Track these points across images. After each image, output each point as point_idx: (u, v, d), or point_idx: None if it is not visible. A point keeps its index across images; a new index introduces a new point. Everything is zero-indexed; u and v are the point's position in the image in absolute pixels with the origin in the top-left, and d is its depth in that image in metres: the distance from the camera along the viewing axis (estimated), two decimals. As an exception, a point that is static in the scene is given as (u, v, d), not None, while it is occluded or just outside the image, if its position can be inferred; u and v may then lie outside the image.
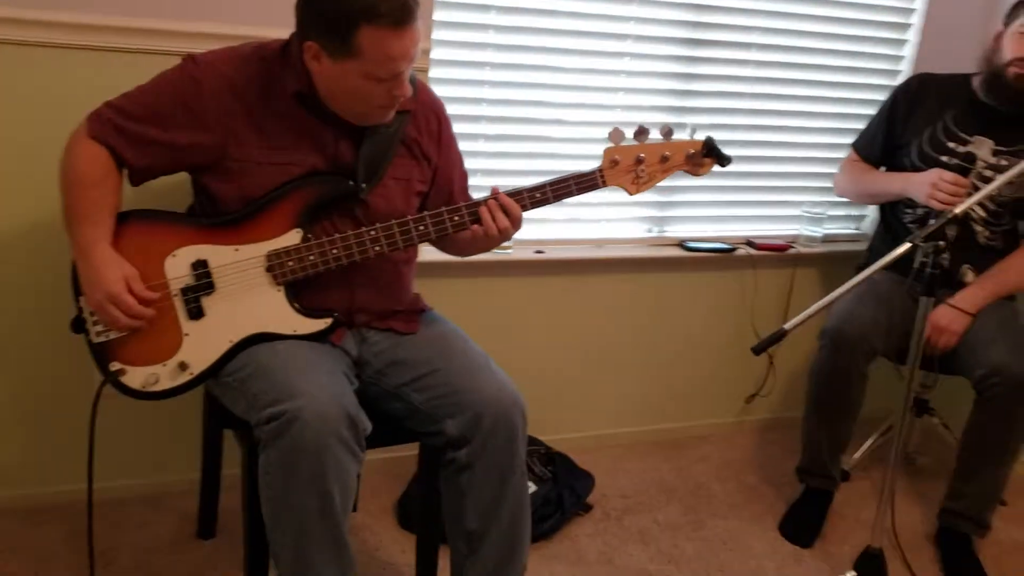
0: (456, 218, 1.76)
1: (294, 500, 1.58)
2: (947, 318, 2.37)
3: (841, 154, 2.93)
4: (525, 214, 1.81)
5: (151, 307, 1.67)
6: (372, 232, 1.74)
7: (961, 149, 2.46)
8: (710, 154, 1.84)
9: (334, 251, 1.73)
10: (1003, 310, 2.44)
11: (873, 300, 2.41)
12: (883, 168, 2.70)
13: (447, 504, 1.85)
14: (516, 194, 1.78)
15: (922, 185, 2.40)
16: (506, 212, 1.77)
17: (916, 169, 2.51)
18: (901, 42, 2.96)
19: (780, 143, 2.92)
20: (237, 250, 1.72)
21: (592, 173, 1.81)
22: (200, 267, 1.71)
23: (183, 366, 1.71)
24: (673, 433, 3.01)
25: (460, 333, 1.93)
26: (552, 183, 1.80)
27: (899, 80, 2.97)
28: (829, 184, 2.92)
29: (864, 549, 2.13)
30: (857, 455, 2.83)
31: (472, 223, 1.77)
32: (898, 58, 2.98)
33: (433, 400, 1.80)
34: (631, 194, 1.84)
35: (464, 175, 2.01)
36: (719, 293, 2.91)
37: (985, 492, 2.43)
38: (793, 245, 2.94)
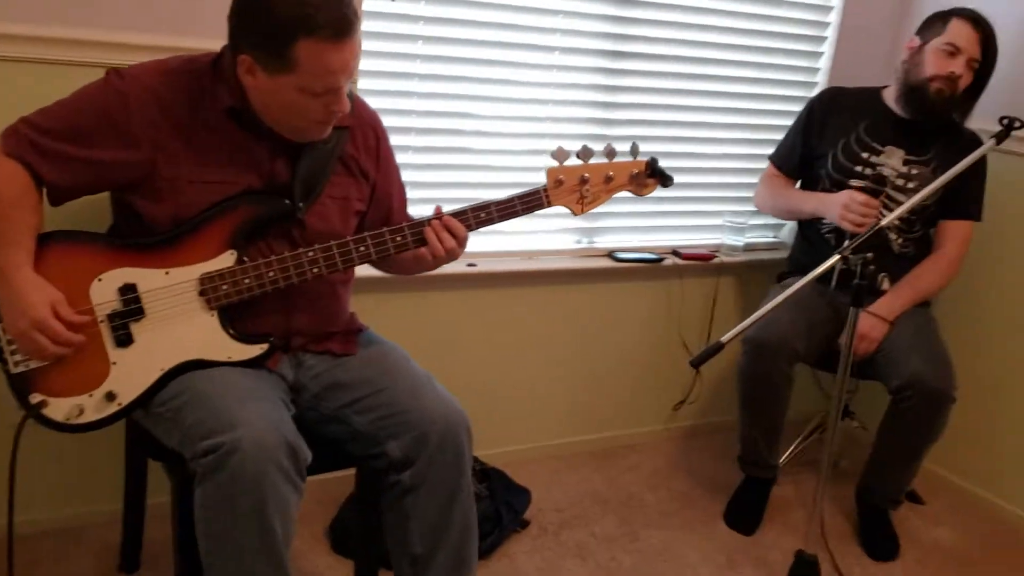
0: (399, 239, 1.72)
1: (234, 535, 1.51)
2: (867, 325, 2.44)
3: (761, 164, 2.97)
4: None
5: (80, 333, 1.58)
6: (310, 253, 1.68)
7: (874, 159, 2.53)
8: (653, 174, 1.84)
9: (271, 273, 1.66)
10: (919, 317, 2.53)
11: (791, 306, 2.44)
12: (799, 181, 2.75)
13: (390, 528, 1.81)
14: (461, 214, 1.75)
15: (835, 206, 2.45)
16: (452, 232, 1.73)
17: (831, 179, 2.58)
18: (817, 54, 3.03)
19: (702, 154, 2.96)
20: (168, 273, 1.64)
21: (537, 192, 1.79)
22: (128, 291, 1.62)
23: (111, 396, 1.62)
24: (604, 443, 3.02)
25: (400, 351, 1.89)
26: (497, 203, 1.77)
27: (816, 91, 3.04)
28: (750, 194, 2.97)
29: (797, 555, 2.16)
30: (782, 460, 2.88)
31: (415, 244, 1.73)
32: (814, 70, 3.05)
33: (375, 422, 1.75)
34: (576, 214, 1.83)
35: (403, 192, 1.97)
36: (647, 303, 2.93)
37: (897, 482, 2.60)
38: (717, 254, 2.98)
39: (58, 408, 1.61)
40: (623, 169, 1.84)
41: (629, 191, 1.87)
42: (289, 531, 1.57)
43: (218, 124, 1.64)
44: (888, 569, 2.48)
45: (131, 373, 1.63)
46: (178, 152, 1.62)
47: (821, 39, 3.02)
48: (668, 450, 3.06)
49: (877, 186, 2.39)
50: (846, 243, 2.02)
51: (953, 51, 2.41)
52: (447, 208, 1.76)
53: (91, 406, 1.62)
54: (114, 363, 1.62)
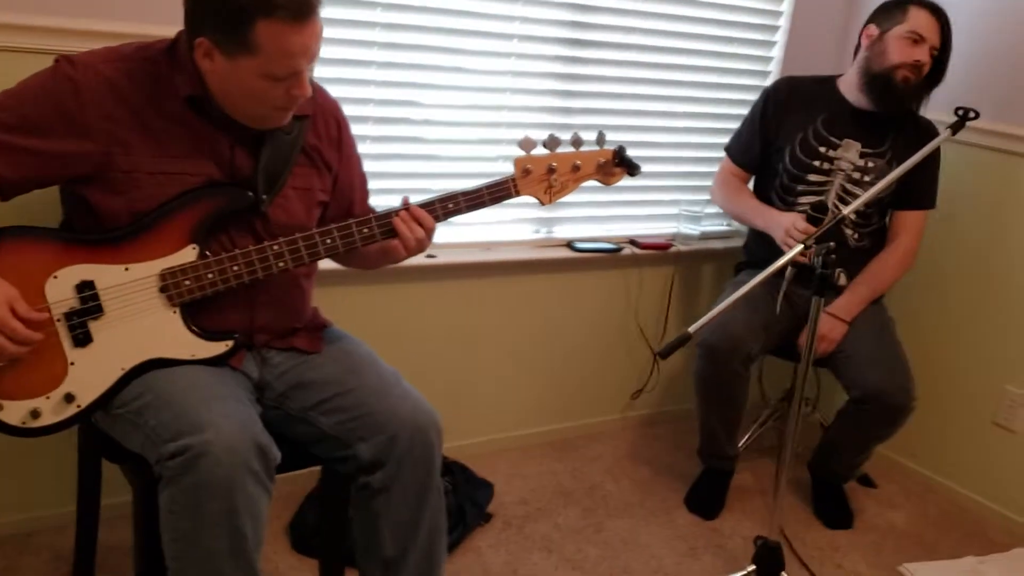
0: (365, 230, 1.68)
1: (203, 540, 1.46)
2: (826, 326, 2.47)
3: (716, 153, 2.99)
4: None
5: (38, 331, 1.51)
6: (275, 247, 1.63)
7: (831, 153, 2.54)
8: (621, 163, 1.82)
9: (235, 268, 1.61)
10: (877, 318, 2.55)
11: (746, 305, 2.45)
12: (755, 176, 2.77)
13: (359, 531, 1.77)
14: (428, 205, 1.72)
15: (779, 228, 2.45)
16: (420, 223, 1.69)
17: (788, 173, 2.58)
18: (770, 43, 3.05)
19: (658, 143, 2.96)
20: (127, 269, 1.57)
21: (505, 182, 1.76)
22: (86, 289, 1.55)
23: (69, 398, 1.56)
24: (564, 433, 3.01)
25: (366, 349, 1.85)
26: (464, 193, 1.74)
27: (769, 80, 3.06)
28: (706, 183, 2.98)
29: (761, 543, 2.18)
30: (740, 445, 2.91)
31: (383, 236, 1.69)
32: (767, 59, 3.07)
33: (344, 423, 1.71)
34: (543, 203, 1.81)
35: (364, 182, 1.93)
36: (605, 292, 2.93)
37: (849, 466, 2.70)
38: (673, 243, 2.98)
39: (13, 411, 1.54)
40: (590, 158, 1.82)
41: (596, 180, 1.85)
42: (259, 534, 1.53)
43: (176, 113, 1.58)
44: (846, 552, 2.52)
45: (90, 373, 1.57)
46: (134, 143, 1.56)
47: (774, 28, 3.04)
48: (628, 439, 3.06)
49: (819, 214, 2.38)
50: (811, 234, 2.03)
51: (917, 39, 2.41)
52: (413, 199, 1.72)
53: (48, 408, 1.55)
54: (72, 363, 1.56)
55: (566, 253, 2.81)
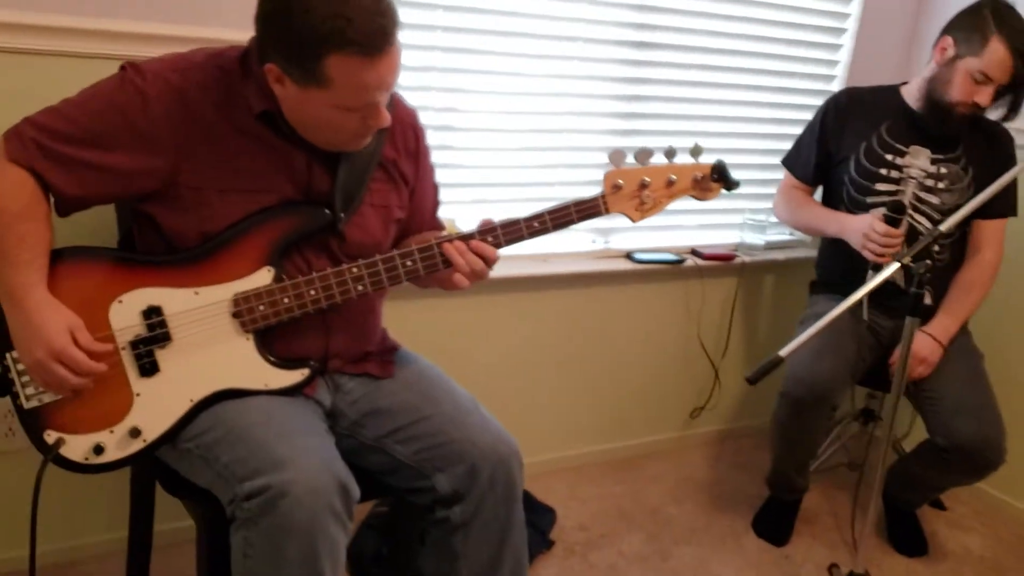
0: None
1: (281, 586, 1.35)
2: (927, 348, 2.32)
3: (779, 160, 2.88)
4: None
5: (102, 361, 1.40)
6: (355, 270, 1.52)
7: (899, 160, 2.39)
8: (720, 178, 1.70)
9: (312, 292, 1.50)
10: (967, 358, 2.38)
11: (831, 347, 2.31)
12: (819, 188, 2.63)
13: (433, 567, 1.66)
14: (513, 224, 1.60)
15: (855, 233, 2.32)
16: (480, 255, 1.56)
17: (854, 184, 2.43)
18: (836, 46, 2.92)
19: (721, 149, 2.83)
20: (197, 293, 1.47)
21: (594, 200, 1.64)
22: (153, 314, 1.45)
23: (135, 432, 1.45)
24: (620, 452, 2.90)
25: (440, 373, 1.74)
26: (551, 211, 1.61)
27: (835, 85, 2.94)
28: (770, 191, 2.86)
29: (848, 574, 2.07)
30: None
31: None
32: (833, 62, 2.94)
33: (421, 452, 1.60)
34: (634, 221, 1.69)
35: (436, 195, 1.81)
36: (665, 305, 2.81)
37: (922, 499, 2.59)
38: (737, 254, 2.86)
39: (75, 447, 1.44)
40: (686, 172, 1.70)
41: (691, 196, 1.73)
42: (338, 574, 1.42)
43: (249, 127, 1.47)
44: (925, 581, 2.41)
45: (157, 405, 1.46)
46: (205, 158, 1.45)
47: (840, 31, 2.91)
48: (687, 459, 2.94)
49: (896, 214, 2.24)
50: (909, 249, 1.90)
51: (984, 80, 2.24)
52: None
53: (112, 443, 1.45)
54: (138, 394, 1.45)
55: (626, 265, 2.69)
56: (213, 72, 1.46)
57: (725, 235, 2.92)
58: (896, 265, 1.90)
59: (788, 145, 2.70)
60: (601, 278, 2.67)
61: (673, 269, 2.74)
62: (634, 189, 1.66)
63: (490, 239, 1.58)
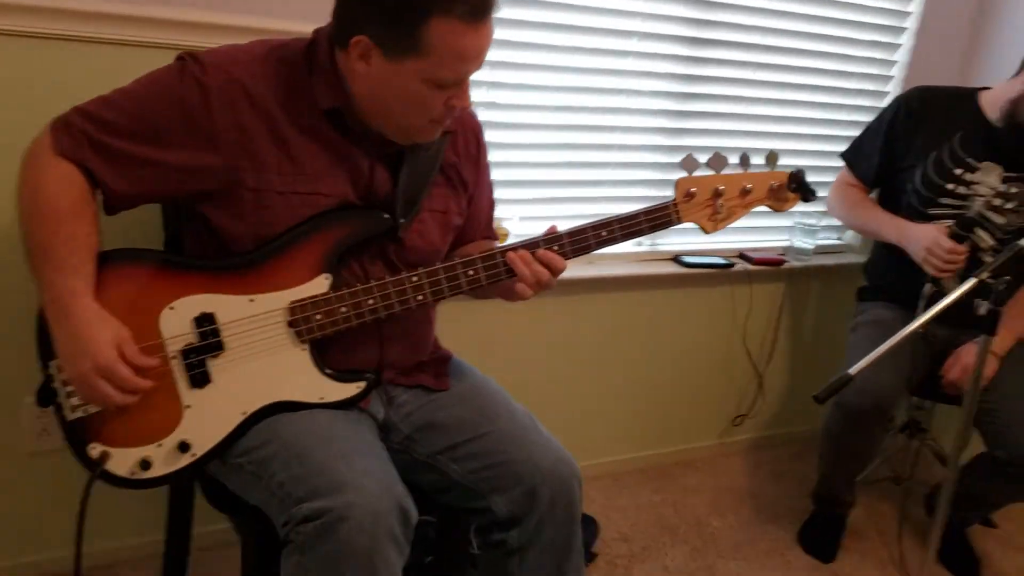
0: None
1: (337, 613, 1.28)
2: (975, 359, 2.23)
3: (833, 163, 2.78)
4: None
5: (149, 377, 1.33)
6: (415, 278, 1.43)
7: (968, 176, 2.27)
8: (798, 188, 1.61)
9: (370, 301, 1.42)
10: None
11: (888, 356, 2.23)
12: (878, 189, 2.53)
13: (489, 592, 1.59)
14: (580, 232, 1.51)
15: (918, 245, 2.22)
16: (546, 264, 1.47)
17: (918, 195, 2.33)
18: (894, 46, 2.82)
19: (774, 150, 2.73)
20: (252, 300, 1.39)
21: (666, 208, 1.55)
22: (205, 322, 1.37)
23: (184, 447, 1.38)
24: (658, 459, 2.82)
25: (497, 387, 1.66)
26: (620, 220, 1.52)
27: (891, 86, 2.84)
28: (822, 194, 2.76)
29: None
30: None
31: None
32: (890, 63, 2.84)
33: (477, 472, 1.52)
34: (707, 232, 1.60)
35: (492, 204, 1.73)
36: (712, 310, 2.72)
37: (975, 517, 2.50)
38: (785, 258, 2.77)
39: (121, 461, 1.36)
40: (762, 181, 1.61)
41: (767, 206, 1.64)
42: (395, 601, 1.35)
43: (312, 126, 1.38)
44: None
45: (207, 418, 1.38)
46: (266, 158, 1.36)
47: (900, 29, 2.80)
48: (727, 467, 2.87)
49: (964, 231, 2.13)
50: (986, 265, 1.81)
51: None
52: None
53: (160, 458, 1.37)
54: (188, 406, 1.38)
55: (673, 268, 2.60)
56: (276, 66, 1.37)
57: (773, 237, 2.83)
58: (974, 281, 1.82)
59: (842, 147, 2.61)
60: (647, 281, 2.58)
61: (721, 273, 2.66)
62: (708, 198, 1.57)
63: (556, 248, 1.49)
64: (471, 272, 1.46)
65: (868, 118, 2.56)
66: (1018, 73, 2.23)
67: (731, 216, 1.60)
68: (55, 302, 1.29)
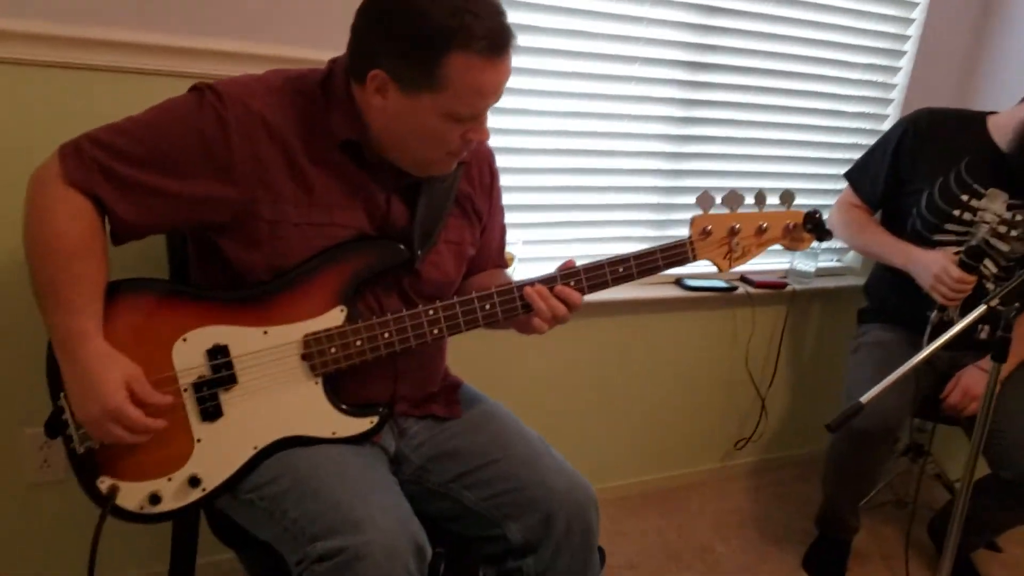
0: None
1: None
2: (976, 383, 2.23)
3: (833, 185, 2.78)
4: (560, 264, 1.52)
5: (162, 416, 1.30)
6: (431, 312, 1.42)
7: (974, 203, 2.25)
8: (813, 228, 1.61)
9: (386, 335, 1.40)
10: None
11: (895, 383, 2.22)
12: (880, 211, 2.52)
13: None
14: (596, 268, 1.50)
15: (925, 272, 2.20)
16: (565, 300, 1.46)
17: (923, 220, 2.32)
18: (894, 69, 2.83)
19: (771, 174, 2.73)
20: (266, 333, 1.37)
21: (682, 245, 1.54)
22: (218, 355, 1.35)
23: (194, 481, 1.35)
24: (662, 483, 2.80)
25: (507, 412, 1.64)
26: (637, 256, 1.52)
27: (891, 110, 2.85)
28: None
29: None
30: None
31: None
32: (890, 86, 2.85)
33: (491, 499, 1.50)
34: (722, 270, 1.59)
35: (504, 234, 1.72)
36: (713, 333, 2.71)
37: (979, 541, 2.46)
38: (787, 280, 2.76)
39: (131, 495, 1.34)
40: (778, 220, 1.61)
41: (782, 245, 1.63)
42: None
43: (329, 157, 1.37)
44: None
45: (219, 452, 1.36)
46: (282, 190, 1.34)
47: (900, 53, 2.81)
48: (728, 490, 2.85)
49: (973, 261, 2.13)
50: (996, 290, 1.81)
51: None
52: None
53: (170, 492, 1.35)
54: (199, 440, 1.35)
55: (675, 291, 2.59)
56: (293, 97, 1.36)
57: (774, 259, 2.82)
58: (983, 308, 1.82)
59: (842, 169, 2.60)
60: (650, 305, 2.57)
61: (723, 296, 2.65)
62: (723, 236, 1.57)
63: (572, 284, 1.48)
64: (487, 307, 1.45)
65: (868, 140, 2.57)
66: None
67: (746, 255, 1.60)
68: (62, 345, 1.26)
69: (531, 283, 1.45)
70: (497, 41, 1.25)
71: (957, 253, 2.16)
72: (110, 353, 1.27)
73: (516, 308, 1.45)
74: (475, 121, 1.33)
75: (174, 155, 1.30)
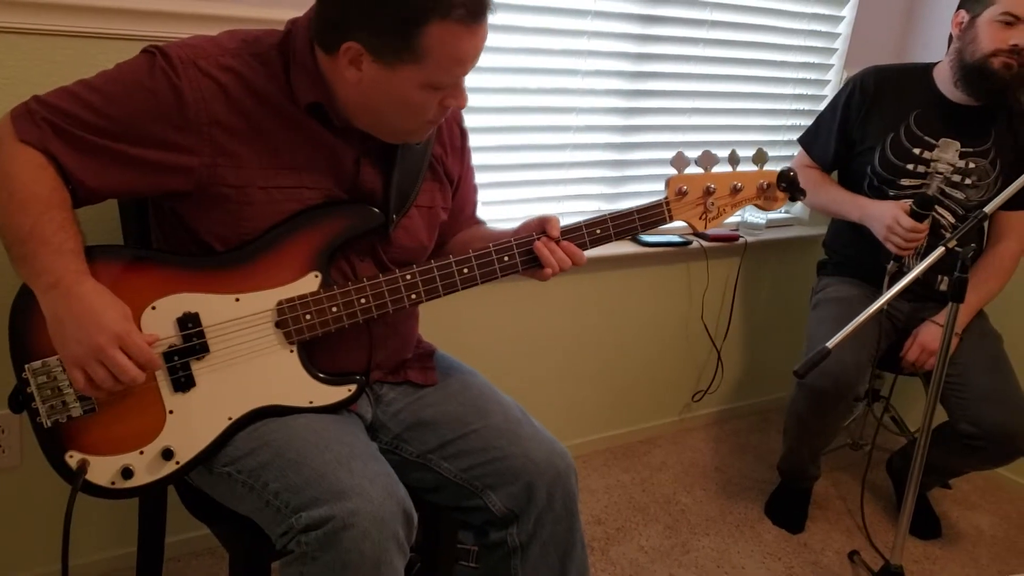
0: (506, 258, 1.44)
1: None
2: (931, 337, 2.26)
3: (777, 137, 2.81)
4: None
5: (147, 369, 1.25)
6: (408, 276, 1.39)
7: (927, 155, 2.27)
8: (787, 188, 1.61)
9: (362, 300, 1.36)
10: (988, 343, 2.31)
11: (853, 335, 2.22)
12: (835, 172, 2.53)
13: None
14: (575, 229, 1.48)
15: (880, 223, 2.22)
16: (569, 255, 1.46)
17: (878, 176, 2.34)
18: (834, 35, 2.84)
19: (718, 126, 2.73)
20: (238, 300, 1.32)
21: (658, 206, 1.54)
22: (189, 323, 1.30)
23: (167, 454, 1.31)
24: (623, 439, 2.83)
25: (484, 381, 1.62)
26: (613, 217, 1.51)
27: (832, 72, 2.87)
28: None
29: (883, 567, 2.09)
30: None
31: (525, 266, 1.46)
32: (831, 50, 2.86)
33: (470, 469, 1.49)
34: (698, 230, 1.60)
35: (476, 195, 1.69)
36: (669, 288, 2.73)
37: (936, 482, 2.57)
38: (739, 233, 2.78)
39: (102, 470, 1.29)
40: (752, 180, 1.60)
41: (756, 205, 1.63)
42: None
43: (292, 119, 1.32)
44: (944, 564, 2.39)
45: (192, 424, 1.32)
46: (245, 154, 1.29)
47: (839, 19, 2.83)
48: (688, 442, 2.89)
49: (922, 209, 2.15)
50: (954, 232, 1.84)
51: (1011, 20, 2.14)
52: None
53: (142, 466, 1.30)
54: (171, 412, 1.31)
55: (631, 248, 2.58)
56: (250, 60, 1.31)
57: (725, 214, 2.83)
58: (941, 250, 1.85)
59: (792, 123, 2.63)
60: (605, 262, 2.56)
61: (678, 251, 2.65)
62: (699, 196, 1.56)
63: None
64: (465, 270, 1.43)
65: (815, 91, 2.58)
66: (950, 45, 2.28)
67: (721, 215, 1.60)
68: (57, 284, 1.20)
69: (508, 247, 1.43)
70: (475, 7, 1.21)
71: (908, 205, 2.19)
72: (106, 290, 1.23)
73: (495, 271, 1.43)
74: (454, 88, 1.29)
75: (127, 121, 1.24)
